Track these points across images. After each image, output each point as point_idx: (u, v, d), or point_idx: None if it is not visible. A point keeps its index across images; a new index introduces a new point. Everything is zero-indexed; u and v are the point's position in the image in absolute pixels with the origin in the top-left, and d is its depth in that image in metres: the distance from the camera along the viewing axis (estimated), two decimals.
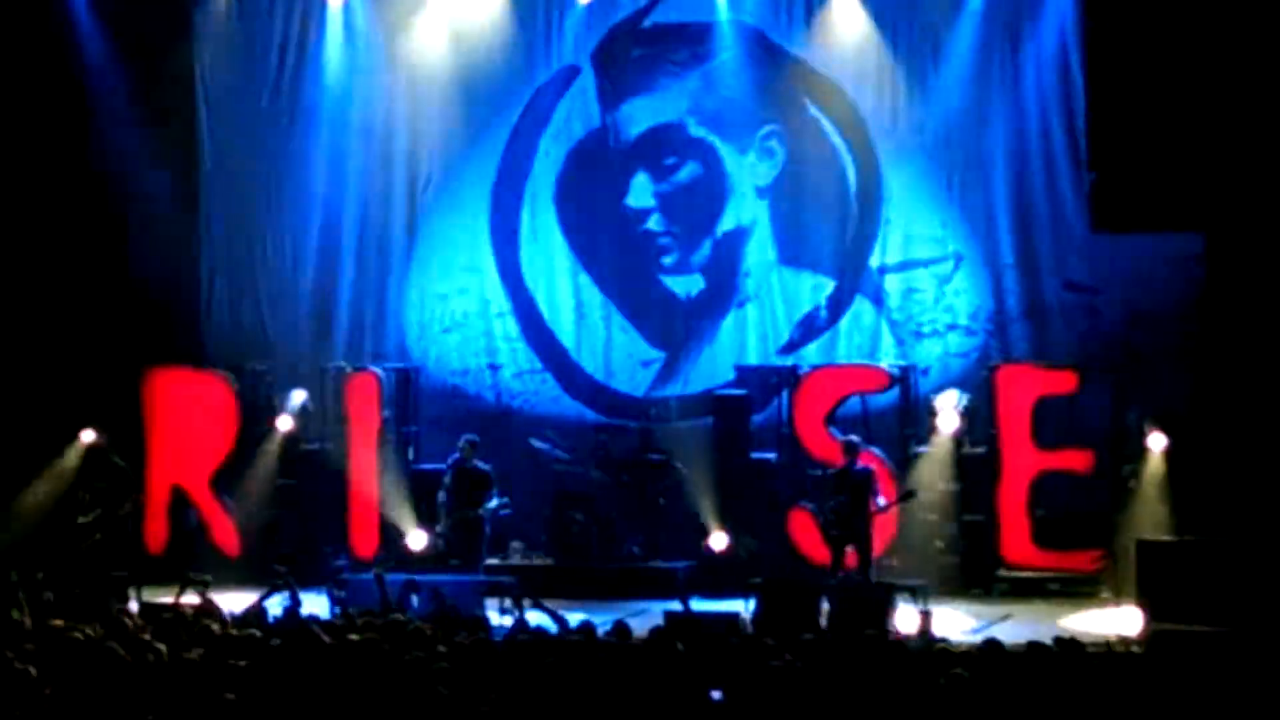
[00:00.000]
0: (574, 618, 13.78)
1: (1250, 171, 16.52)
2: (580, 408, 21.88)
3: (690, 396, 21.69)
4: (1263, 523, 17.26)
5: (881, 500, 18.78)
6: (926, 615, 15.28)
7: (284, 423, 21.18)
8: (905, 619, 16.34)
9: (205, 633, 12.29)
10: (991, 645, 12.37)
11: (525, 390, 22.11)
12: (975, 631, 16.60)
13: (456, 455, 19.80)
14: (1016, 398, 20.07)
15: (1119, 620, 16.99)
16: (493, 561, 20.00)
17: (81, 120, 21.76)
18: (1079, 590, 19.60)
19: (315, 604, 16.03)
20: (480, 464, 19.71)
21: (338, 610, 15.58)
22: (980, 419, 20.37)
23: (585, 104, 22.07)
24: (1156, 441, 19.47)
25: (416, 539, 20.09)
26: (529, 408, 22.05)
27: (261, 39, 22.30)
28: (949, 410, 20.23)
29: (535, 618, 14.17)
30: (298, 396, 21.32)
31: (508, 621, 14.87)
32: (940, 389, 20.57)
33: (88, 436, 20.73)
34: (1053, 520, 19.87)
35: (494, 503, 19.56)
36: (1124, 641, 15.27)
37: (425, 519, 20.18)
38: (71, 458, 20.60)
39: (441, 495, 19.71)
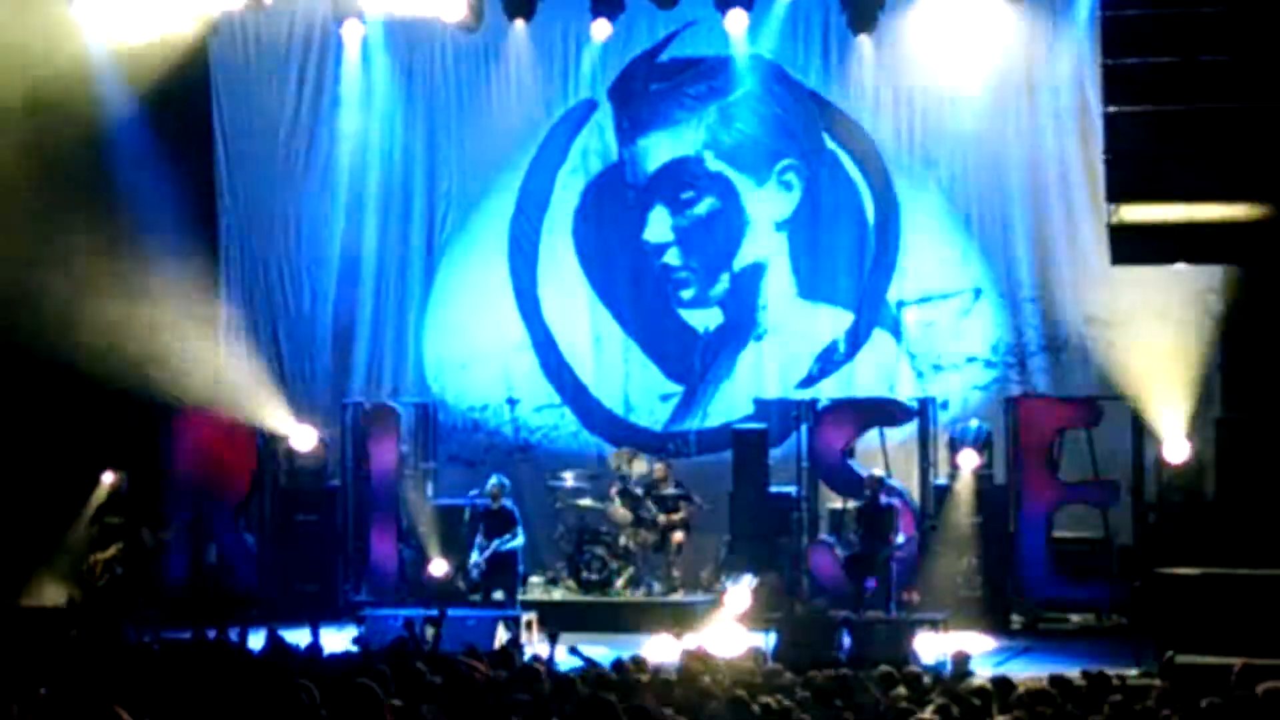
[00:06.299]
0: (596, 651, 13.67)
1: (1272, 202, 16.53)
2: (599, 442, 21.88)
3: (709, 430, 21.70)
4: None
5: (902, 536, 18.95)
6: (962, 655, 15.01)
7: (299, 445, 21.21)
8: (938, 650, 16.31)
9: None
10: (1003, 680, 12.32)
11: (544, 425, 22.11)
12: (997, 665, 16.52)
13: (487, 501, 19.75)
14: (1037, 430, 20.03)
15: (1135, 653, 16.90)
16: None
17: (100, 159, 21.71)
18: (1101, 622, 19.55)
19: (336, 640, 15.99)
20: (507, 503, 19.69)
21: (358, 646, 15.54)
22: (1001, 452, 20.32)
23: (603, 139, 22.12)
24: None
25: (439, 565, 20.09)
26: (548, 442, 22.05)
27: (279, 76, 22.37)
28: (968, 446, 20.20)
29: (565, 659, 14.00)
30: (307, 434, 21.34)
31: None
32: (959, 422, 20.53)
33: (109, 479, 20.75)
34: (1072, 553, 19.82)
35: (479, 552, 19.50)
36: (1145, 675, 15.17)
37: (450, 556, 20.20)
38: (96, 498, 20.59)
39: (479, 539, 19.55)
